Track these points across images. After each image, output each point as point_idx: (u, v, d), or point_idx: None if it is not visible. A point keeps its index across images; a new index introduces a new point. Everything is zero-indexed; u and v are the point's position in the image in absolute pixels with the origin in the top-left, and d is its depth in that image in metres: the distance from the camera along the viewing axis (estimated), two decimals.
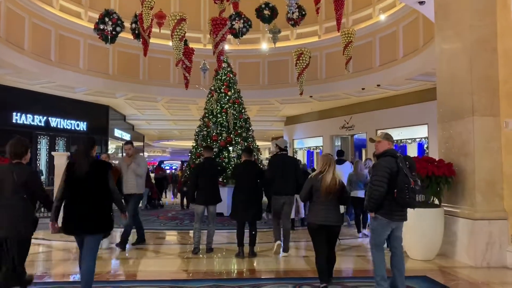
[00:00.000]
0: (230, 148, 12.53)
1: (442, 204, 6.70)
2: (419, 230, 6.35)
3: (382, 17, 13.67)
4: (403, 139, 16.34)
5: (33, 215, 4.31)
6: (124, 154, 9.09)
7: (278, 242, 6.81)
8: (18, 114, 14.04)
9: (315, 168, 9.76)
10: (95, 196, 4.18)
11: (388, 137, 4.70)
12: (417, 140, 15.76)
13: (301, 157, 21.62)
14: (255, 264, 6.39)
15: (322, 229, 4.93)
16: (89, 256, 4.20)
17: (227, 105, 13.01)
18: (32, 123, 14.60)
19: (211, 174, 7.17)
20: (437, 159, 6.74)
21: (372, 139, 4.85)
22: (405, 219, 4.57)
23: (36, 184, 4.31)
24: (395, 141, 16.35)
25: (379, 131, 16.86)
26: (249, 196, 6.79)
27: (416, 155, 12.77)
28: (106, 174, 4.29)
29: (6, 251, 4.12)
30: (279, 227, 6.90)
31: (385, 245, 4.94)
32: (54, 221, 4.22)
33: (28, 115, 14.40)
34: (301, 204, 9.47)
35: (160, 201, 16.18)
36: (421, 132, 15.28)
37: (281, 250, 6.85)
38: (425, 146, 15.09)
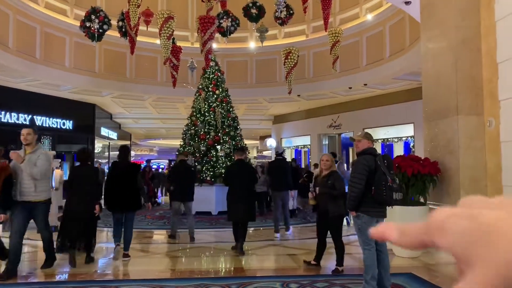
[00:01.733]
0: (218, 147, 12.52)
1: (427, 202, 6.80)
2: None
3: (369, 16, 13.78)
4: (390, 138, 16.50)
5: (99, 198, 6.10)
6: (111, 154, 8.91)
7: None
8: (2, 112, 13.83)
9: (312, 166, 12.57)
10: (130, 187, 6.32)
11: (368, 136, 4.79)
12: (403, 139, 15.92)
13: (289, 156, 21.70)
14: (243, 263, 6.40)
15: None
16: (129, 224, 6.44)
17: (215, 104, 13.00)
18: (17, 122, 14.39)
19: (185, 174, 8.15)
20: (422, 158, 6.83)
21: (352, 138, 4.95)
22: (385, 216, 4.67)
23: (95, 178, 6.14)
24: (382, 140, 16.52)
25: (365, 130, 17.00)
26: (242, 196, 6.83)
27: (402, 153, 12.90)
28: (136, 173, 6.52)
29: (80, 223, 5.84)
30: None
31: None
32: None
33: (13, 114, 14.19)
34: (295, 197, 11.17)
35: (157, 199, 16.24)
36: (407, 131, 15.44)
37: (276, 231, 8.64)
38: (411, 144, 15.26)
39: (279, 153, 9.30)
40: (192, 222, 7.99)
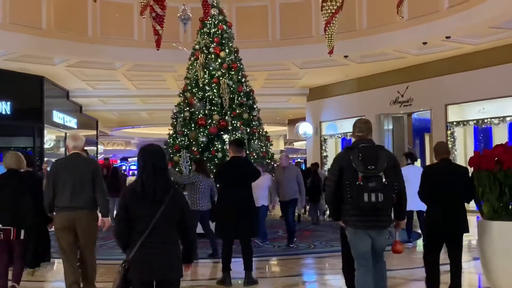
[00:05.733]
0: (225, 136, 12.49)
1: None
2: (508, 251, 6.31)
3: None
4: (486, 118, 16.23)
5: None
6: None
7: None
8: None
9: None
10: None
11: (354, 124, 5.30)
12: (508, 119, 15.66)
13: (333, 147, 21.61)
14: None
15: None
16: None
17: (219, 73, 12.97)
18: None
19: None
20: None
21: None
22: (376, 227, 4.95)
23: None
24: (475, 122, 16.32)
25: (448, 106, 16.80)
26: (239, 206, 7.03)
27: (505, 141, 12.71)
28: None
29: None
30: None
31: None
32: None
33: None
34: None
35: None
36: None
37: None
38: None
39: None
40: None
